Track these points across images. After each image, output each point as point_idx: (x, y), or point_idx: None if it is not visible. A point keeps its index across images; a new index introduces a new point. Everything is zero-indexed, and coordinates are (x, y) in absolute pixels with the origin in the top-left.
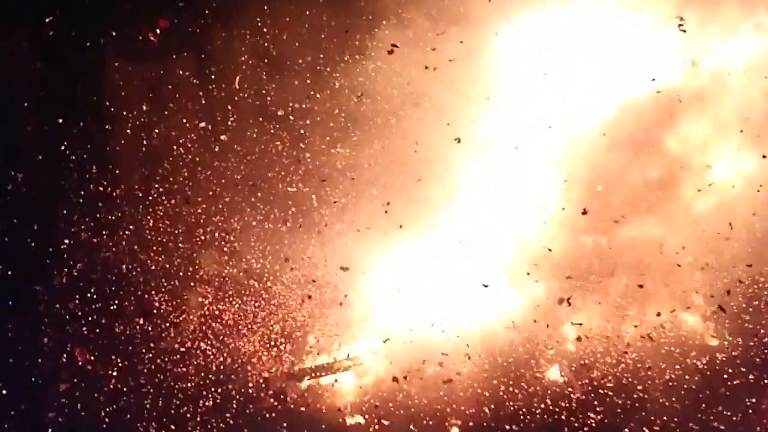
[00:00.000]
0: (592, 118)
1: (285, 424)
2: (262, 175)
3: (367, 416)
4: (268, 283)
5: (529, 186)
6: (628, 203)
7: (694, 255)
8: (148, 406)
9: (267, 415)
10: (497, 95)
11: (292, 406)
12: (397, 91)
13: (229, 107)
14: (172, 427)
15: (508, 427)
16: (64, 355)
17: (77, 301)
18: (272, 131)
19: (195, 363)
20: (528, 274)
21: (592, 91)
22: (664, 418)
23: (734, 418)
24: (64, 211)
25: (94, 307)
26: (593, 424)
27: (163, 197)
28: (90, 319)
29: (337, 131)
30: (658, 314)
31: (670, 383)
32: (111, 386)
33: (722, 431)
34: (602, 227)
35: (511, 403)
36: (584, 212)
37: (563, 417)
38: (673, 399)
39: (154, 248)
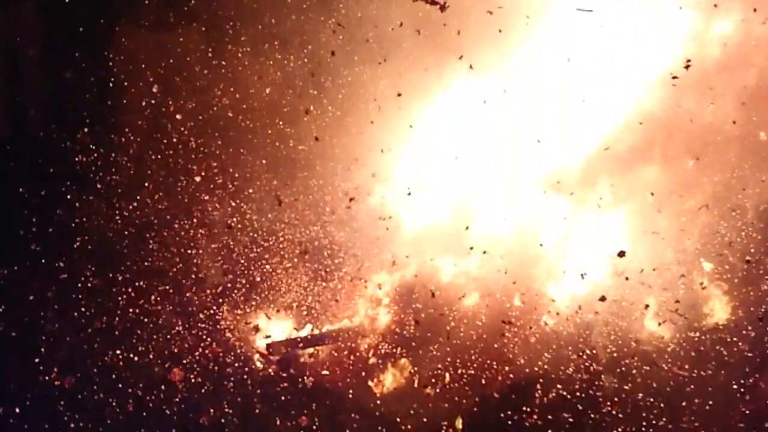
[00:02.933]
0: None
1: (293, 392)
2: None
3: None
4: (268, 237)
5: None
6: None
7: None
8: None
9: (273, 384)
10: None
11: (297, 373)
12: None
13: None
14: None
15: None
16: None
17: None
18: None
19: (195, 331)
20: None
21: None
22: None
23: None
24: (63, 169)
25: (95, 269)
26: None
27: (165, 148)
28: (94, 281)
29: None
30: None
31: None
32: (113, 355)
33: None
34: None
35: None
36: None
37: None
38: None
39: (158, 208)
